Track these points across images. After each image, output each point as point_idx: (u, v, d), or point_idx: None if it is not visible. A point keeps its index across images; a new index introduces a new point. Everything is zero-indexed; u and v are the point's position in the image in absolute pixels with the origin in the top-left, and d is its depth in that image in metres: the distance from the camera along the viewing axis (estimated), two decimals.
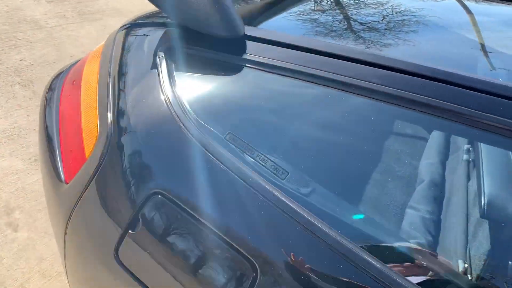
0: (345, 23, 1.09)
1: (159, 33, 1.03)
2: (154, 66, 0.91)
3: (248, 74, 0.88)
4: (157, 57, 0.93)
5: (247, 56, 0.88)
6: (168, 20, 1.06)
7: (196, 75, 0.91)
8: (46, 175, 0.98)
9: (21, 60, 2.75)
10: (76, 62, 1.29)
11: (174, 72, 0.90)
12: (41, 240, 1.77)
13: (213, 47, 0.92)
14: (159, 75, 0.88)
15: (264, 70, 0.86)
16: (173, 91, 0.85)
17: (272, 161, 0.74)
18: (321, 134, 0.77)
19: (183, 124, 0.79)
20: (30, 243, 1.75)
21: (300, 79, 0.82)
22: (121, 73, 0.94)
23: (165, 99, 0.84)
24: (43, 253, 1.73)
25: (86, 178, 0.84)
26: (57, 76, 1.23)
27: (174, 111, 0.81)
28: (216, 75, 0.90)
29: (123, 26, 1.13)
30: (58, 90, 1.13)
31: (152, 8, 1.04)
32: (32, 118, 2.33)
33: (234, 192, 0.72)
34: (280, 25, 1.08)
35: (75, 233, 0.86)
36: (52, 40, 3.07)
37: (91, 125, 0.91)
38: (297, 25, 1.06)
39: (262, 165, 0.74)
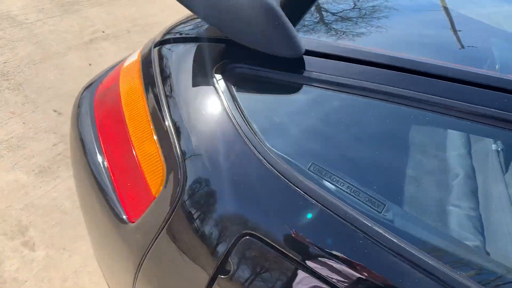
0: (418, 28, 1.04)
1: (204, 49, 0.96)
2: (214, 89, 0.85)
3: (317, 94, 0.83)
4: (214, 78, 0.86)
5: (312, 74, 0.83)
6: (210, 35, 0.99)
7: (260, 97, 0.86)
8: (98, 214, 0.92)
9: (6, 62, 2.58)
10: (98, 79, 1.21)
11: (235, 94, 0.84)
12: (60, 257, 1.70)
13: (272, 65, 0.86)
14: (221, 101, 0.82)
15: (334, 90, 0.82)
16: (242, 117, 0.80)
17: (365, 192, 0.71)
18: (415, 159, 0.74)
19: (262, 156, 0.74)
20: (50, 262, 1.67)
21: (379, 98, 0.77)
22: (175, 98, 0.88)
23: (235, 127, 0.78)
24: (65, 272, 1.66)
25: (160, 217, 0.78)
26: (82, 97, 1.14)
27: (249, 141, 0.76)
28: (282, 96, 0.85)
29: (156, 41, 1.05)
30: (90, 116, 1.05)
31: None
32: (28, 126, 2.21)
33: (331, 229, 0.68)
34: (329, 32, 1.03)
35: (151, 276, 0.81)
36: (34, 37, 2.90)
37: (151, 158, 0.85)
38: (350, 31, 1.01)
39: (356, 197, 0.70)
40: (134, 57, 1.09)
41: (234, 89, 0.85)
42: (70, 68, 2.75)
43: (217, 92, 0.84)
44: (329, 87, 0.82)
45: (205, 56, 0.95)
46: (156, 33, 1.18)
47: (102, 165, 0.94)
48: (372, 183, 0.72)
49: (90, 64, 2.85)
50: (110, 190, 0.90)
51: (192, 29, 1.06)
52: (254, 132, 0.78)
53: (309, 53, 0.87)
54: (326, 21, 1.05)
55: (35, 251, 1.69)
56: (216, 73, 0.88)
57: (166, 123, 0.85)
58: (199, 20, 1.09)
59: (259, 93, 0.87)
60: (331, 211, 0.69)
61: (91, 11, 3.48)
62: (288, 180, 0.71)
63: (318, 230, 0.69)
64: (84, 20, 3.31)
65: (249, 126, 0.79)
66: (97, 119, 1.04)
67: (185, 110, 0.85)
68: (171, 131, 0.84)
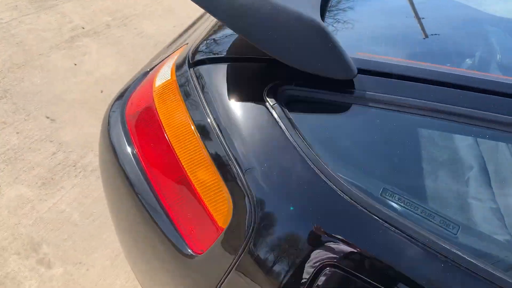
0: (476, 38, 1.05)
1: (248, 70, 0.95)
2: (269, 114, 0.84)
3: (375, 114, 0.84)
4: (267, 102, 0.85)
5: (366, 94, 0.84)
6: (252, 55, 0.97)
7: (317, 120, 0.86)
8: (154, 248, 0.91)
9: None
10: (124, 93, 1.17)
11: (293, 118, 0.84)
12: (78, 272, 1.67)
13: (324, 86, 0.86)
14: (280, 126, 0.82)
15: (393, 109, 0.83)
16: (304, 143, 0.80)
17: (439, 215, 0.73)
18: (486, 180, 0.76)
19: (333, 184, 0.75)
20: (69, 278, 1.64)
21: (445, 119, 0.79)
22: (227, 124, 0.87)
23: (299, 154, 0.79)
24: (85, 287, 1.64)
25: (233, 247, 0.78)
26: (112, 121, 1.10)
27: (317, 168, 0.76)
28: (339, 118, 0.85)
29: (190, 60, 1.02)
30: (127, 141, 1.02)
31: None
32: (23, 135, 2.13)
33: (411, 255, 0.70)
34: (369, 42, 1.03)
35: None
36: (12, 38, 2.76)
37: (211, 187, 0.84)
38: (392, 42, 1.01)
39: (431, 221, 0.73)
40: (166, 76, 1.06)
41: (290, 114, 0.85)
42: (55, 70, 2.64)
43: (273, 117, 0.84)
44: (387, 107, 0.83)
45: (251, 78, 0.93)
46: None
47: (152, 196, 0.92)
48: (444, 205, 0.74)
49: (75, 64, 2.74)
50: (166, 223, 0.89)
51: (227, 48, 1.03)
52: (320, 158, 0.78)
53: (361, 71, 0.87)
54: (370, 36, 1.05)
55: (52, 268, 1.66)
56: (268, 96, 0.87)
57: (222, 149, 0.84)
58: (230, 38, 1.06)
59: (315, 116, 0.87)
60: (409, 236, 0.71)
61: (67, 6, 3.33)
62: (363, 207, 0.73)
63: (397, 256, 0.71)
64: (61, 16, 3.17)
65: (313, 151, 0.79)
66: (136, 144, 1.01)
67: (241, 136, 0.84)
68: (230, 159, 0.83)
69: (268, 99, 0.87)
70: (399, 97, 0.82)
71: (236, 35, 1.05)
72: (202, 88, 0.95)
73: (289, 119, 0.84)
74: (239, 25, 0.83)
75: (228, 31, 1.11)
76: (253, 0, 0.83)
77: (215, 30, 1.16)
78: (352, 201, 0.73)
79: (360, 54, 0.93)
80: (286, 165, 0.79)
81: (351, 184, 0.75)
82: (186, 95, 0.97)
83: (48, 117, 2.28)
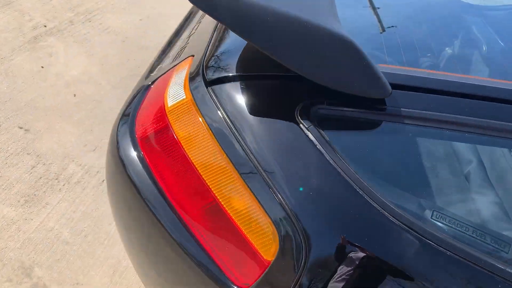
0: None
1: (275, 89, 0.91)
2: (305, 137, 0.81)
3: (415, 132, 0.82)
4: (301, 124, 0.82)
5: (403, 111, 0.82)
6: (276, 73, 0.92)
7: (355, 141, 0.83)
8: (190, 278, 0.86)
9: None
10: (128, 111, 1.10)
11: (330, 140, 0.81)
12: None
13: (357, 104, 0.84)
14: (319, 150, 0.79)
15: (431, 126, 0.81)
16: (347, 166, 0.77)
17: (490, 234, 0.73)
18: None
19: (383, 209, 0.73)
20: None
21: (489, 135, 0.79)
22: (260, 148, 0.83)
23: (344, 178, 0.76)
24: None
25: (284, 280, 0.75)
26: (119, 149, 1.02)
27: (365, 193, 0.74)
28: (378, 137, 0.83)
29: (206, 77, 0.96)
30: (144, 167, 0.96)
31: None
32: None
33: (471, 278, 0.70)
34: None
35: None
36: None
37: (249, 215, 0.80)
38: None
39: (482, 241, 0.73)
40: (180, 96, 1.00)
41: (326, 135, 0.82)
42: (22, 74, 2.47)
43: (311, 140, 0.81)
44: (426, 124, 0.82)
45: (277, 97, 0.89)
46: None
47: (181, 227, 0.88)
48: (492, 224, 0.74)
49: (42, 67, 2.58)
50: (201, 255, 0.85)
51: (245, 63, 0.98)
52: (365, 182, 0.76)
53: (394, 86, 0.85)
54: (401, 48, 1.03)
55: None
56: (301, 118, 0.83)
57: (258, 175, 0.81)
58: (244, 50, 1.01)
59: (353, 137, 0.84)
60: (466, 259, 0.70)
61: (25, 2, 3.11)
62: (418, 233, 0.72)
63: (458, 281, 0.70)
64: (20, 14, 2.96)
65: (358, 176, 0.77)
66: (156, 173, 0.95)
67: (278, 161, 0.81)
68: (268, 185, 0.79)
69: (301, 120, 0.83)
70: (437, 113, 0.81)
71: (249, 46, 1.00)
72: (226, 109, 0.90)
73: (327, 141, 0.81)
74: (265, 43, 0.79)
75: (238, 40, 1.05)
76: (280, 18, 0.79)
77: (223, 39, 1.11)
78: (407, 227, 0.72)
79: (383, 66, 0.91)
80: (332, 191, 0.76)
81: (401, 208, 0.74)
82: (209, 118, 0.91)
83: (21, 128, 2.14)
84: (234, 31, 0.80)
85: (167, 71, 1.19)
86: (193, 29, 1.46)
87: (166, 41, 1.57)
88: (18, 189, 1.86)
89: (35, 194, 1.86)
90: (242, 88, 0.92)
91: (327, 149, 0.79)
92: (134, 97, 1.18)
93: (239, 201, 0.83)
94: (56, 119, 2.27)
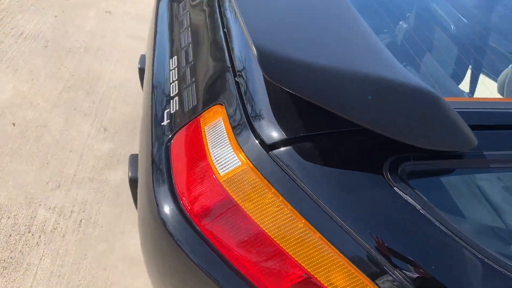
0: None
1: (346, 146, 0.84)
2: (403, 200, 0.76)
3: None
4: (396, 187, 0.77)
5: (493, 154, 0.81)
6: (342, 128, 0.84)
7: (451, 196, 0.81)
8: None
9: None
10: (169, 178, 0.96)
11: (428, 201, 0.77)
12: None
13: (440, 154, 0.80)
14: (423, 214, 0.75)
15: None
16: (458, 229, 0.75)
17: None
18: None
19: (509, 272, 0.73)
20: None
21: None
22: (351, 212, 0.77)
23: (456, 241, 0.74)
24: None
25: None
26: (171, 234, 0.90)
27: (484, 257, 0.73)
28: (473, 188, 0.81)
29: (265, 141, 0.85)
30: (212, 252, 0.86)
31: None
32: None
33: None
34: None
35: None
36: None
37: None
38: None
39: None
40: (234, 162, 0.87)
41: (423, 195, 0.78)
42: None
43: (408, 203, 0.77)
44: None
45: (356, 156, 0.83)
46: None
47: None
48: None
49: None
50: None
51: (304, 121, 0.87)
52: (479, 246, 0.75)
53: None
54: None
55: None
56: (392, 178, 0.78)
57: (356, 244, 0.76)
58: (295, 105, 0.90)
59: (447, 192, 0.81)
60: None
61: None
62: None
63: None
64: None
65: (468, 237, 0.75)
66: (225, 251, 0.86)
67: (378, 228, 0.76)
68: (371, 255, 0.75)
69: (394, 182, 0.78)
70: None
71: (294, 96, 0.91)
72: (300, 175, 0.82)
73: (427, 203, 0.77)
74: (341, 107, 0.71)
75: (273, 86, 0.95)
76: (364, 80, 0.72)
77: (254, 82, 0.98)
78: None
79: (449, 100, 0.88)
80: (448, 257, 0.74)
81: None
82: (280, 186, 0.83)
83: None
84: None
85: (187, 122, 1.05)
86: (189, 41, 1.29)
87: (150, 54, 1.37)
88: None
89: (11, 257, 1.63)
90: (311, 150, 0.84)
91: (430, 211, 0.76)
92: (152, 159, 1.04)
93: (339, 277, 0.78)
94: (2, 159, 1.97)
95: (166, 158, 1.02)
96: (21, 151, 2.03)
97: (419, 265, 0.73)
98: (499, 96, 1.43)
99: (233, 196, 0.86)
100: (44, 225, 1.77)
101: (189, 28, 1.37)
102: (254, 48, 0.69)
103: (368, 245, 0.75)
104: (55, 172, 1.99)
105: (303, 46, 0.75)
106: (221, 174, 0.89)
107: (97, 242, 1.78)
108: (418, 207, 0.75)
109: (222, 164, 0.90)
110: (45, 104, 2.33)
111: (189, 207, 0.91)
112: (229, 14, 1.24)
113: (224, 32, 1.19)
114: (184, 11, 1.48)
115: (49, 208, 1.84)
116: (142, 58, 1.73)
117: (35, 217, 1.79)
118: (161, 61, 1.36)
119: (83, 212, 1.87)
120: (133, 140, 2.30)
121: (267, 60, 0.68)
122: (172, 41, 1.39)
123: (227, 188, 0.87)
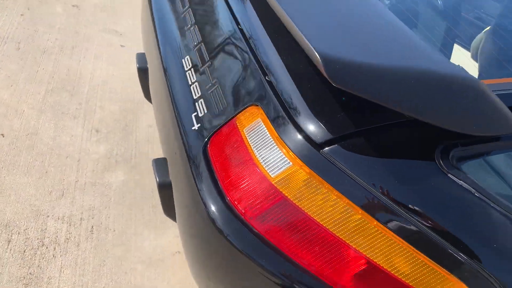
0: None
1: (395, 137, 0.87)
2: (462, 189, 0.81)
3: None
4: (450, 174, 0.81)
5: None
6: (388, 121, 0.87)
7: (499, 176, 0.86)
8: None
9: None
10: (215, 183, 0.97)
11: (484, 188, 0.81)
12: None
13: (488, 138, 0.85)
14: (479, 197, 0.80)
15: None
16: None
17: None
18: None
19: None
20: None
21: None
22: (409, 201, 0.81)
23: None
24: None
25: None
26: (232, 243, 0.91)
27: None
28: None
29: (315, 140, 0.87)
30: (270, 249, 0.88)
31: None
32: None
33: None
34: None
35: None
36: None
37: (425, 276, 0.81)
38: None
39: None
40: (284, 164, 0.89)
41: (475, 179, 0.83)
42: None
43: (463, 187, 0.81)
44: None
45: (406, 147, 0.86)
46: None
47: None
48: None
49: None
50: None
51: (346, 116, 0.89)
52: None
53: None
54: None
55: None
56: (445, 165, 0.83)
57: (420, 231, 0.80)
58: (333, 100, 0.92)
59: (496, 174, 0.86)
60: None
61: None
62: None
63: None
64: None
65: None
66: (287, 251, 0.89)
67: (438, 214, 0.81)
68: (439, 241, 0.80)
69: (447, 169, 0.83)
70: None
71: (332, 90, 0.93)
72: (353, 170, 0.85)
73: (478, 185, 0.82)
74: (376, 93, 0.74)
75: (308, 81, 0.96)
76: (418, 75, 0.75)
77: (284, 78, 0.99)
78: None
79: (487, 82, 0.92)
80: (509, 237, 0.79)
81: None
82: (335, 182, 0.86)
83: None
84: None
85: (221, 126, 1.05)
86: (199, 39, 1.27)
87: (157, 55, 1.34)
88: (8, 276, 1.57)
89: (30, 273, 1.60)
90: (361, 145, 0.87)
91: (490, 197, 0.80)
92: (191, 164, 1.04)
93: (405, 263, 0.83)
94: (0, 174, 1.90)
95: (206, 162, 1.02)
96: (16, 162, 1.96)
97: (482, 245, 0.78)
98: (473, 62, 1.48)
99: (289, 197, 0.88)
100: (57, 236, 1.74)
101: (196, 25, 1.35)
102: (317, 54, 0.70)
103: (429, 229, 0.79)
104: (56, 181, 1.94)
105: (359, 49, 0.77)
106: (272, 176, 0.91)
107: (112, 247, 1.77)
108: (473, 190, 0.80)
109: (272, 166, 0.92)
110: (31, 111, 2.24)
111: (243, 211, 0.92)
112: (242, 11, 1.23)
113: (241, 30, 1.18)
114: (185, 8, 1.44)
115: (58, 218, 1.80)
116: (141, 57, 1.69)
117: (45, 229, 1.75)
118: (171, 61, 1.33)
119: (93, 218, 1.85)
120: (127, 138, 2.26)
121: (332, 66, 0.70)
122: (179, 40, 1.36)
123: (281, 189, 0.89)
